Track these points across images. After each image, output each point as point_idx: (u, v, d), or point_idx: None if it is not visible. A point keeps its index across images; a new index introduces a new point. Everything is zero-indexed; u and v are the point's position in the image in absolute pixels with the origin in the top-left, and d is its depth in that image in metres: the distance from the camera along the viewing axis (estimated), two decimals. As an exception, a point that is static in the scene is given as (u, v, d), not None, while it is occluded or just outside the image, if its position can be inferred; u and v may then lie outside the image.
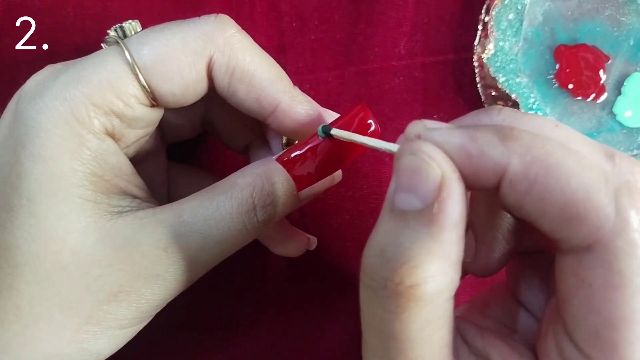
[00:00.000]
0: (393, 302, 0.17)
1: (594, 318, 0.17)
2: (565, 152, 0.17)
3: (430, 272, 0.16)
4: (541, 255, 0.23)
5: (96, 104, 0.22)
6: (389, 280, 0.16)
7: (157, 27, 0.24)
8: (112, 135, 0.23)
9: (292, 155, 0.24)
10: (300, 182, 0.24)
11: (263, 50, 0.25)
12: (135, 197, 0.23)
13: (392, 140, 0.21)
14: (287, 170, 0.24)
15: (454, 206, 0.17)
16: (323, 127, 0.23)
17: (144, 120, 0.24)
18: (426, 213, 0.17)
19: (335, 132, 0.23)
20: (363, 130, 0.24)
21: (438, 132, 0.18)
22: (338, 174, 0.27)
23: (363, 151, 0.25)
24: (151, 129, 0.25)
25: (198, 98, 0.25)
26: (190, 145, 0.32)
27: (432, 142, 0.18)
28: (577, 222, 0.17)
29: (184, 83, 0.23)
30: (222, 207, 0.23)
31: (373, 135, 0.24)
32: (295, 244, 0.30)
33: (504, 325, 0.23)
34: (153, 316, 0.24)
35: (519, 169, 0.17)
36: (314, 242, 0.31)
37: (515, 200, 0.17)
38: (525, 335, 0.23)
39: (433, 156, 0.17)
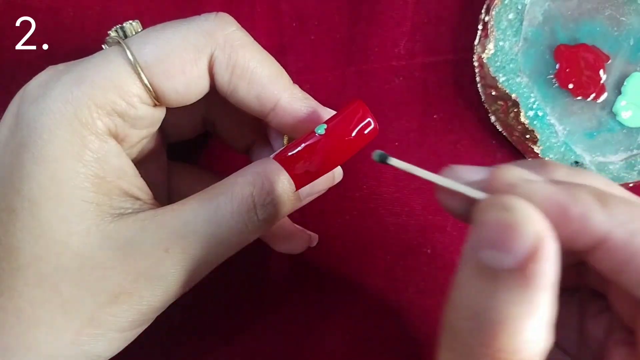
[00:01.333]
0: None
1: None
2: None
3: (529, 337, 0.15)
4: (574, 292, 0.23)
5: (99, 105, 0.22)
6: (485, 347, 0.15)
7: (158, 27, 0.24)
8: (115, 136, 0.23)
9: (290, 153, 0.24)
10: (299, 180, 0.24)
11: (263, 48, 0.25)
12: (137, 198, 0.23)
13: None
14: (285, 169, 0.24)
15: (551, 267, 0.16)
16: (380, 154, 0.21)
17: (147, 120, 0.24)
18: (521, 274, 0.15)
19: (394, 162, 0.21)
20: (362, 129, 0.24)
21: (536, 186, 0.17)
22: (338, 173, 0.27)
23: (360, 149, 0.24)
24: (154, 129, 0.25)
25: (200, 96, 0.25)
26: (191, 144, 0.32)
27: (528, 197, 0.17)
28: None
29: (186, 81, 0.23)
30: (223, 206, 0.23)
31: (372, 133, 0.24)
32: (296, 241, 0.30)
33: None
34: (153, 319, 0.24)
35: (621, 238, 0.17)
36: (315, 238, 0.31)
37: (614, 267, 0.17)
38: None
39: (530, 214, 0.16)
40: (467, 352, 0.16)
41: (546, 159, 0.20)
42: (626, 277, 0.17)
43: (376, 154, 0.21)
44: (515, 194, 0.17)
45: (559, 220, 0.17)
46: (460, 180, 0.19)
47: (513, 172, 0.18)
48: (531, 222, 0.16)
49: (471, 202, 0.18)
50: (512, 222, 0.16)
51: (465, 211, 0.19)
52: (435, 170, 0.20)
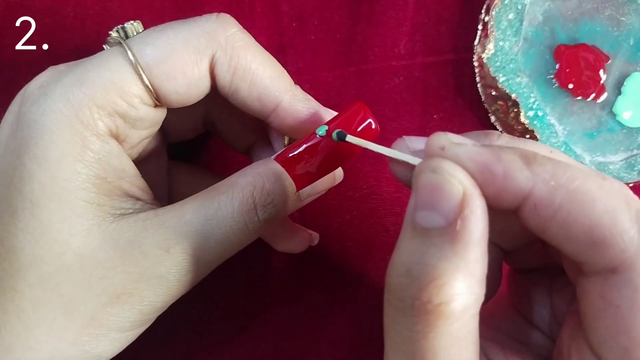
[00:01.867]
0: (421, 321, 0.17)
1: (623, 338, 0.17)
2: (585, 177, 0.17)
3: (457, 289, 0.16)
4: (544, 272, 0.24)
5: (100, 106, 0.22)
6: (417, 299, 0.16)
7: (159, 27, 0.24)
8: (116, 137, 0.23)
9: (291, 154, 0.24)
10: (300, 181, 0.24)
11: (264, 49, 0.25)
12: (138, 199, 0.23)
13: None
14: (286, 169, 0.24)
15: (477, 223, 0.17)
16: (338, 132, 0.23)
17: (148, 120, 0.24)
18: (449, 230, 0.17)
19: (351, 139, 0.23)
20: (363, 130, 0.24)
21: (462, 148, 0.18)
22: (339, 174, 0.27)
23: (361, 150, 0.25)
24: (154, 129, 0.25)
25: (201, 97, 0.25)
26: (192, 144, 0.32)
27: (455, 158, 0.18)
28: (603, 246, 0.17)
29: (187, 82, 0.23)
30: (224, 206, 0.23)
31: (373, 134, 0.24)
32: (297, 240, 0.30)
33: (514, 339, 0.24)
34: (154, 319, 0.24)
35: (544, 195, 0.17)
36: (315, 237, 0.31)
37: (538, 224, 0.18)
38: (537, 350, 0.23)
39: (454, 174, 0.17)
40: (402, 306, 0.17)
41: (493, 130, 0.22)
42: (551, 232, 0.18)
43: (334, 134, 0.23)
44: (443, 156, 0.18)
45: (484, 179, 0.18)
46: (407, 150, 0.20)
47: (444, 137, 0.19)
48: (455, 182, 0.17)
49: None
50: (439, 183, 0.17)
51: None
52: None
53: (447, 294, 0.16)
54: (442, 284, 0.16)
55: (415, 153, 0.20)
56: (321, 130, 0.24)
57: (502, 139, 0.20)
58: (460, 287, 0.16)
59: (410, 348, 0.17)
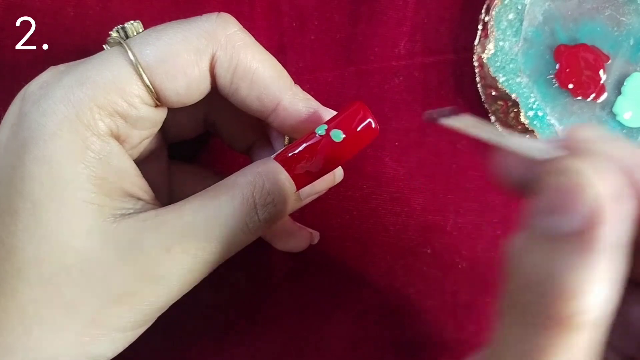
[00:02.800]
0: (547, 333, 0.16)
1: None
2: None
3: (591, 301, 0.15)
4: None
5: (101, 106, 0.22)
6: (546, 311, 0.15)
7: (159, 27, 0.24)
8: (116, 137, 0.23)
9: (290, 154, 0.24)
10: (299, 180, 0.24)
11: (264, 49, 0.25)
12: (138, 199, 0.23)
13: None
14: (286, 169, 0.24)
15: (619, 230, 0.15)
16: (431, 113, 0.19)
17: (149, 120, 0.24)
18: (584, 239, 0.15)
19: (448, 121, 0.19)
20: (363, 129, 0.24)
21: (611, 145, 0.17)
22: (339, 173, 0.27)
23: (361, 149, 0.25)
24: (155, 129, 0.25)
25: (202, 97, 0.25)
26: (192, 144, 0.32)
27: (605, 155, 0.16)
28: None
29: (188, 81, 0.23)
30: (224, 206, 0.23)
31: (372, 134, 0.24)
32: (298, 239, 0.30)
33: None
34: (155, 319, 0.24)
35: None
36: (316, 236, 0.31)
37: None
38: None
39: (599, 175, 0.15)
40: (527, 317, 0.16)
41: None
42: None
43: (427, 113, 0.19)
44: (589, 152, 0.16)
45: (636, 184, 0.16)
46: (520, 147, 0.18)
47: (590, 131, 0.17)
48: (597, 184, 0.15)
49: (527, 171, 0.17)
50: (578, 185, 0.15)
51: (520, 180, 0.18)
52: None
53: (580, 306, 0.15)
54: (576, 296, 0.15)
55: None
56: (320, 130, 0.24)
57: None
58: (594, 300, 0.15)
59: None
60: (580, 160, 0.16)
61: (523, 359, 0.16)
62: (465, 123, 0.19)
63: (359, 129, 0.24)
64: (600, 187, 0.15)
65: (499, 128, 0.18)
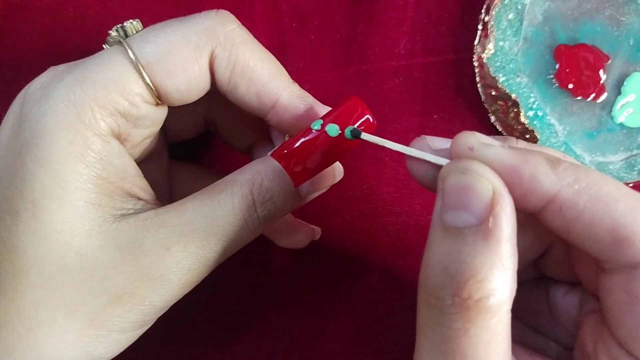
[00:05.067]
0: (461, 318, 0.17)
1: None
2: (604, 180, 0.18)
3: (495, 284, 0.17)
4: (537, 282, 0.25)
5: (101, 105, 0.22)
6: (457, 296, 0.17)
7: (159, 25, 0.24)
8: (117, 136, 0.23)
9: (287, 150, 0.24)
10: (297, 176, 0.24)
11: (263, 46, 0.25)
12: (139, 199, 0.23)
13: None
14: (283, 165, 0.23)
15: (508, 220, 0.18)
16: (352, 130, 0.23)
17: (150, 119, 0.24)
18: (482, 228, 0.17)
19: (366, 137, 0.23)
20: (361, 125, 0.24)
21: (491, 149, 0.19)
22: (339, 172, 0.27)
23: (357, 145, 0.24)
24: (156, 128, 0.25)
25: (202, 94, 0.25)
26: (192, 144, 0.32)
27: (484, 159, 0.18)
28: (625, 243, 0.18)
29: (188, 79, 0.23)
30: (223, 204, 0.23)
31: (371, 128, 0.24)
32: (299, 236, 0.30)
33: (523, 344, 0.24)
34: (155, 320, 0.24)
35: (569, 197, 0.18)
36: (317, 232, 0.31)
37: (562, 225, 0.19)
38: (545, 352, 0.24)
39: (484, 174, 0.18)
40: (441, 304, 0.17)
41: (510, 137, 0.23)
42: (574, 234, 0.19)
43: (348, 130, 0.23)
44: (472, 157, 0.19)
45: (512, 181, 0.18)
46: (428, 149, 0.21)
47: (472, 137, 0.19)
48: (486, 181, 0.18)
49: (438, 170, 0.20)
50: (469, 183, 0.18)
51: (433, 180, 0.20)
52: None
53: (486, 289, 0.17)
54: (480, 280, 0.17)
55: (436, 152, 0.21)
56: (316, 125, 0.23)
57: (520, 144, 0.21)
58: (498, 282, 0.17)
59: (449, 346, 0.18)
60: (471, 162, 0.18)
61: (441, 346, 0.18)
62: (377, 140, 0.22)
63: (355, 123, 0.24)
64: (494, 182, 0.18)
65: (401, 146, 0.22)
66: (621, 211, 0.18)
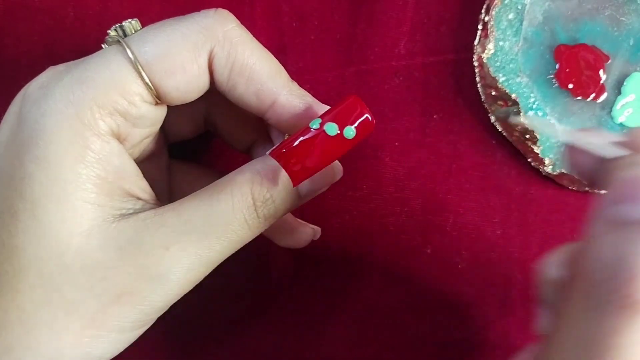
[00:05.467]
0: (615, 316, 0.16)
1: None
2: None
3: None
4: None
5: (101, 105, 0.22)
6: (616, 292, 0.16)
7: (157, 24, 0.24)
8: (117, 136, 0.23)
9: (285, 149, 0.23)
10: (296, 175, 0.23)
11: (262, 45, 0.25)
12: (139, 198, 0.23)
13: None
14: (282, 164, 0.23)
15: None
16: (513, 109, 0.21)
17: (149, 118, 0.24)
18: None
19: (523, 119, 0.21)
20: (361, 124, 0.24)
21: None
22: (339, 171, 0.27)
23: (358, 143, 0.24)
24: (156, 128, 0.25)
25: (201, 93, 0.24)
26: (192, 143, 0.32)
27: None
28: None
29: (187, 78, 0.23)
30: (223, 203, 0.23)
31: (370, 127, 0.24)
32: (299, 235, 0.30)
33: None
34: (155, 320, 0.24)
35: None
36: (317, 232, 0.31)
37: None
38: None
39: None
40: (598, 299, 0.17)
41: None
42: None
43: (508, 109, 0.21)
44: None
45: None
46: (605, 143, 0.20)
47: None
48: None
49: (597, 163, 0.20)
50: None
51: (591, 171, 0.20)
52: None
53: None
54: None
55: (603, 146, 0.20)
56: (315, 124, 0.23)
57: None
58: None
59: (596, 343, 0.17)
60: None
61: (588, 343, 0.17)
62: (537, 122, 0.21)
63: (354, 122, 0.23)
64: None
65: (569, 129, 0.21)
66: None
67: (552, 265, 0.23)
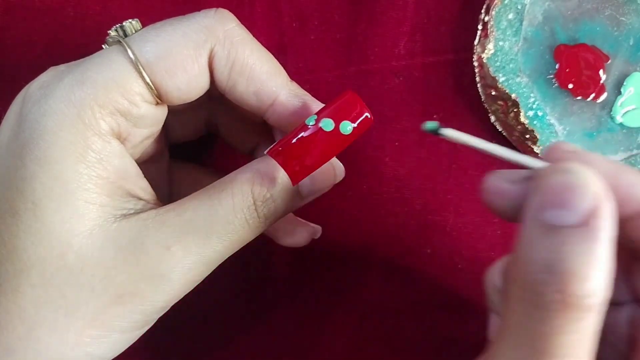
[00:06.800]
0: (561, 316, 0.17)
1: None
2: None
3: (596, 284, 0.17)
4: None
5: (102, 105, 0.22)
6: (560, 293, 0.17)
7: (158, 24, 0.24)
8: (118, 136, 0.23)
9: (282, 147, 0.23)
10: (295, 174, 0.23)
11: (262, 45, 0.25)
12: (140, 199, 0.23)
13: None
14: (280, 163, 0.23)
15: (611, 222, 0.18)
16: (430, 124, 0.21)
17: (150, 118, 0.24)
18: (586, 229, 0.17)
19: (448, 132, 0.21)
20: (361, 122, 0.23)
21: (592, 155, 0.20)
22: (340, 171, 0.27)
23: (355, 139, 0.24)
24: (156, 128, 0.25)
25: (201, 93, 0.25)
26: (193, 144, 0.32)
27: (588, 162, 0.19)
28: None
29: (188, 77, 0.23)
30: (224, 203, 0.23)
31: (366, 123, 0.24)
32: (300, 234, 0.30)
33: None
34: (156, 320, 0.24)
35: None
36: (318, 231, 0.31)
37: None
38: None
39: (588, 175, 0.18)
40: (539, 300, 0.17)
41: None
42: None
43: (427, 124, 0.21)
44: (575, 160, 0.19)
45: (610, 186, 0.18)
46: (504, 182, 0.21)
47: (571, 144, 0.20)
48: (591, 183, 0.18)
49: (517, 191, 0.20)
50: (574, 183, 0.18)
51: (511, 210, 0.20)
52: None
53: (589, 288, 0.17)
54: (584, 278, 0.17)
55: (512, 183, 0.21)
56: (311, 121, 0.23)
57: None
58: (599, 282, 0.17)
59: (539, 344, 0.18)
60: (577, 164, 0.18)
61: (534, 344, 0.18)
62: (461, 135, 0.21)
63: (350, 118, 0.23)
64: (598, 184, 0.18)
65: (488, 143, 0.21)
66: None
67: (495, 273, 0.25)
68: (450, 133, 0.21)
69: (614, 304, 0.24)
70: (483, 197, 0.22)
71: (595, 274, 0.17)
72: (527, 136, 0.31)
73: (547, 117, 0.31)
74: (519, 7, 0.31)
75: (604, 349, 0.24)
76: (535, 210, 0.18)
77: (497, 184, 0.21)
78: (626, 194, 0.19)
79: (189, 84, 0.23)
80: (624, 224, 0.20)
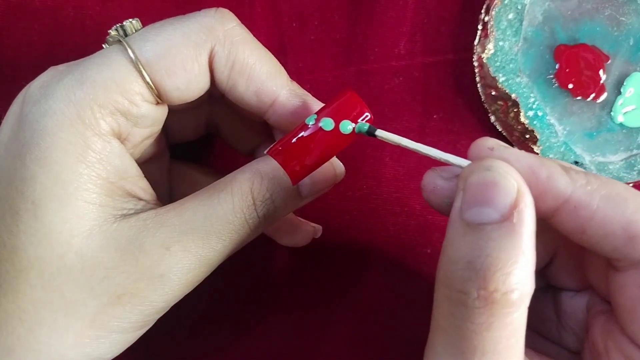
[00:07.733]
0: (485, 312, 0.17)
1: None
2: (613, 182, 0.20)
3: (519, 278, 0.17)
4: (545, 291, 0.26)
5: (101, 105, 0.22)
6: (482, 289, 0.17)
7: (158, 24, 0.24)
8: (118, 136, 0.23)
9: (282, 147, 0.23)
10: (295, 173, 0.23)
11: (262, 45, 0.25)
12: (140, 199, 0.23)
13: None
14: (280, 162, 0.23)
15: (531, 216, 0.18)
16: (364, 126, 0.23)
17: (150, 118, 0.24)
18: (506, 224, 0.18)
19: (381, 134, 0.22)
20: (356, 119, 0.23)
21: (510, 150, 0.20)
22: (340, 171, 0.27)
23: (355, 138, 0.24)
24: (157, 128, 0.25)
25: (202, 93, 0.24)
26: (193, 144, 0.32)
27: (505, 159, 0.19)
28: (639, 240, 0.19)
29: (188, 77, 0.23)
30: (223, 203, 0.23)
31: (368, 123, 0.24)
32: (300, 234, 0.30)
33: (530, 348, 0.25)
34: (155, 320, 0.24)
35: (583, 197, 0.19)
36: (319, 230, 0.31)
37: (577, 226, 0.20)
38: (555, 356, 0.25)
39: (508, 171, 0.18)
40: (465, 298, 0.18)
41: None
42: (589, 232, 0.20)
43: (361, 125, 0.23)
44: (493, 157, 0.19)
45: (530, 180, 0.19)
46: (439, 179, 0.22)
47: (491, 140, 0.21)
48: (510, 178, 0.18)
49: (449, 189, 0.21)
50: (494, 180, 0.18)
51: (449, 207, 0.20)
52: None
53: (511, 283, 0.17)
54: (506, 274, 0.17)
55: (447, 180, 0.21)
56: (310, 120, 0.23)
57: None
58: (521, 276, 0.17)
59: (469, 342, 0.18)
60: (494, 160, 0.19)
61: (462, 342, 0.18)
62: (395, 138, 0.22)
63: (350, 117, 0.23)
64: (516, 180, 0.18)
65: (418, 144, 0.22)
66: (633, 209, 0.19)
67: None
68: (383, 134, 0.22)
69: (572, 292, 0.25)
70: (422, 194, 0.22)
71: (517, 268, 0.17)
72: (527, 136, 0.31)
73: (547, 117, 0.31)
74: (519, 7, 0.31)
75: (565, 336, 0.25)
76: (457, 210, 0.19)
77: (433, 180, 0.22)
78: (546, 187, 0.20)
79: (189, 84, 0.23)
80: (550, 219, 0.20)
